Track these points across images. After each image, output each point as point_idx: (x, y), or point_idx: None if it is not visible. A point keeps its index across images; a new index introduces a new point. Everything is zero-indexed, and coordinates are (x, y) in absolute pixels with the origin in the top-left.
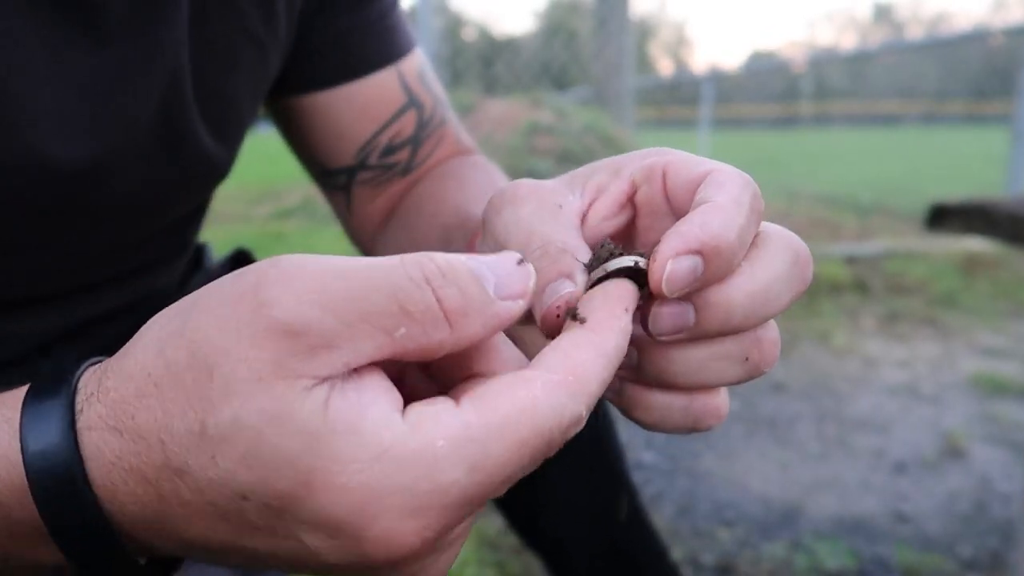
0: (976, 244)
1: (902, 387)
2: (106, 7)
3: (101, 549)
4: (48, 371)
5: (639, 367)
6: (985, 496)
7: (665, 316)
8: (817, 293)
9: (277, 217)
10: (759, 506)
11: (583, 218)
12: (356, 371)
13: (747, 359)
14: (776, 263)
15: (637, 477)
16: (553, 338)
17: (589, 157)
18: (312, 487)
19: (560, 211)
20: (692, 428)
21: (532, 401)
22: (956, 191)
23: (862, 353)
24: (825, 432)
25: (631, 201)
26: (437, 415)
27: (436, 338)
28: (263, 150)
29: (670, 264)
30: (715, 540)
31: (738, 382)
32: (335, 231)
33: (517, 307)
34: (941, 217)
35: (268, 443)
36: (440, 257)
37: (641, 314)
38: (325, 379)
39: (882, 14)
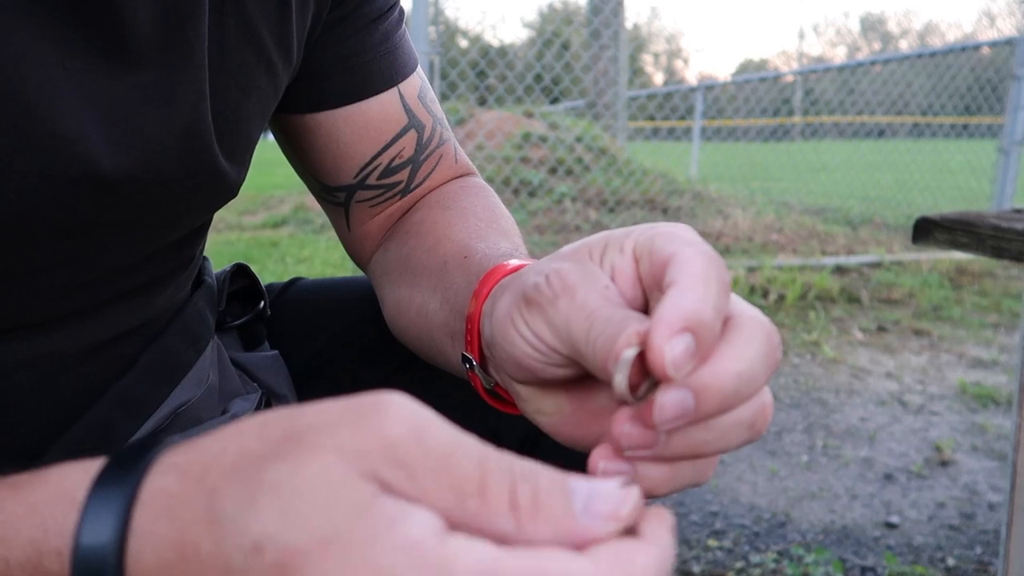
0: (964, 256)
1: (890, 397)
2: (130, 33)
3: None
4: (124, 451)
5: (669, 444)
6: (972, 506)
7: (669, 406)
8: (806, 304)
9: (270, 226)
10: (748, 516)
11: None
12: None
13: (753, 424)
14: (755, 343)
15: None
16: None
17: (581, 168)
18: (328, 553)
19: (607, 291)
20: (695, 483)
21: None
22: (945, 203)
23: (851, 364)
24: (814, 442)
25: (640, 278)
26: (472, 544)
27: (499, 527)
28: (255, 160)
29: (667, 350)
30: (704, 549)
31: (742, 446)
32: (328, 240)
33: (605, 529)
34: (926, 231)
35: (310, 501)
36: (527, 463)
37: (640, 411)
38: (395, 497)
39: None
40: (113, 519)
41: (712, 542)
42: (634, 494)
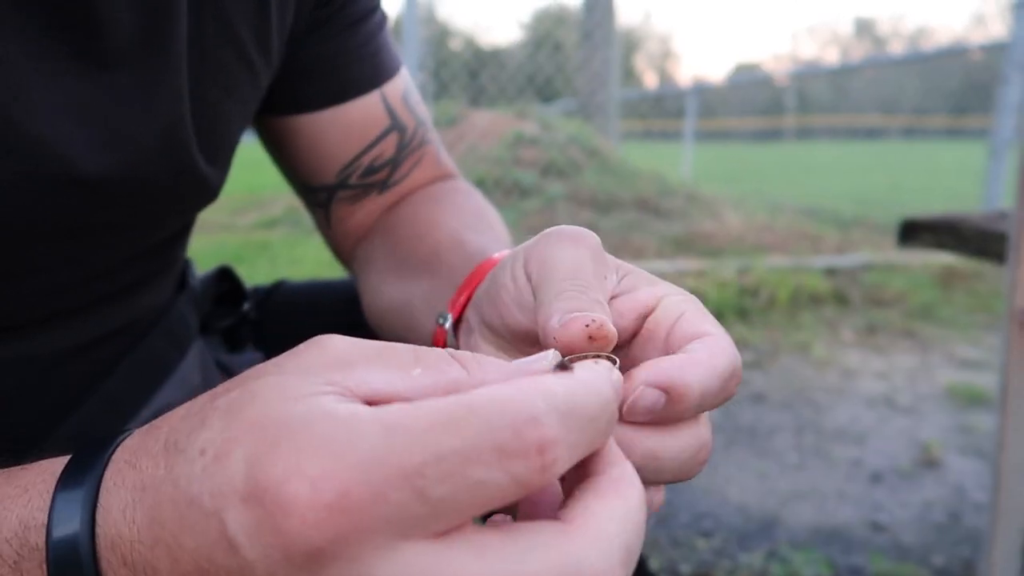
0: (953, 257)
1: (880, 398)
2: (107, 35)
3: None
4: (84, 447)
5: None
6: (959, 506)
7: (647, 396)
8: (798, 305)
9: (261, 226)
10: (737, 516)
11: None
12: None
13: (697, 452)
14: (724, 360)
15: None
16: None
17: (574, 169)
18: (238, 439)
19: (604, 281)
20: (648, 510)
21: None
22: (935, 204)
23: (841, 364)
24: (803, 442)
25: (644, 318)
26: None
27: (451, 375)
28: (247, 159)
29: (640, 389)
30: (693, 550)
31: (686, 479)
32: (319, 241)
33: (538, 367)
34: (912, 232)
35: (253, 399)
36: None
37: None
38: (335, 390)
39: (864, 29)
40: (82, 497)
41: (701, 542)
42: (550, 354)
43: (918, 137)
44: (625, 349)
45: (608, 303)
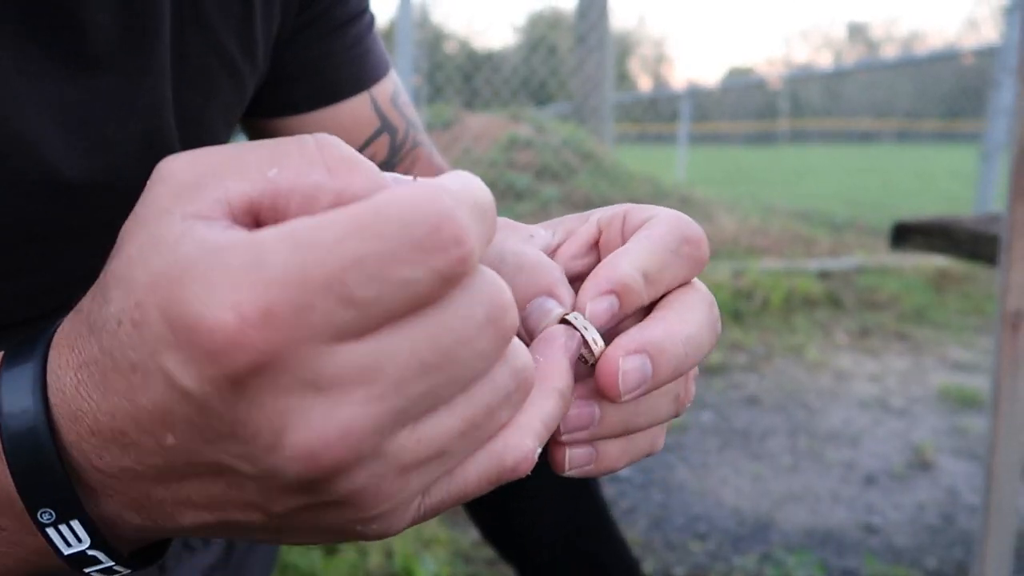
0: (946, 260)
1: (873, 400)
2: (90, 39)
3: (63, 496)
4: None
5: (604, 421)
6: (952, 508)
7: (631, 373)
8: (791, 308)
9: None
10: (731, 519)
11: (552, 256)
12: (239, 224)
13: (678, 396)
14: (699, 310)
15: (611, 490)
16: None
17: (568, 172)
18: (156, 287)
19: (531, 239)
20: (650, 451)
21: (380, 195)
22: (928, 207)
23: (834, 367)
24: (797, 445)
25: (597, 245)
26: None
27: (312, 179)
28: None
29: (622, 362)
30: (687, 553)
31: (669, 419)
32: None
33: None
34: (904, 235)
35: (136, 259)
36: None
37: (599, 378)
38: (201, 219)
39: (857, 33)
40: (29, 374)
41: (695, 545)
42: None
43: (911, 140)
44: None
45: (552, 253)
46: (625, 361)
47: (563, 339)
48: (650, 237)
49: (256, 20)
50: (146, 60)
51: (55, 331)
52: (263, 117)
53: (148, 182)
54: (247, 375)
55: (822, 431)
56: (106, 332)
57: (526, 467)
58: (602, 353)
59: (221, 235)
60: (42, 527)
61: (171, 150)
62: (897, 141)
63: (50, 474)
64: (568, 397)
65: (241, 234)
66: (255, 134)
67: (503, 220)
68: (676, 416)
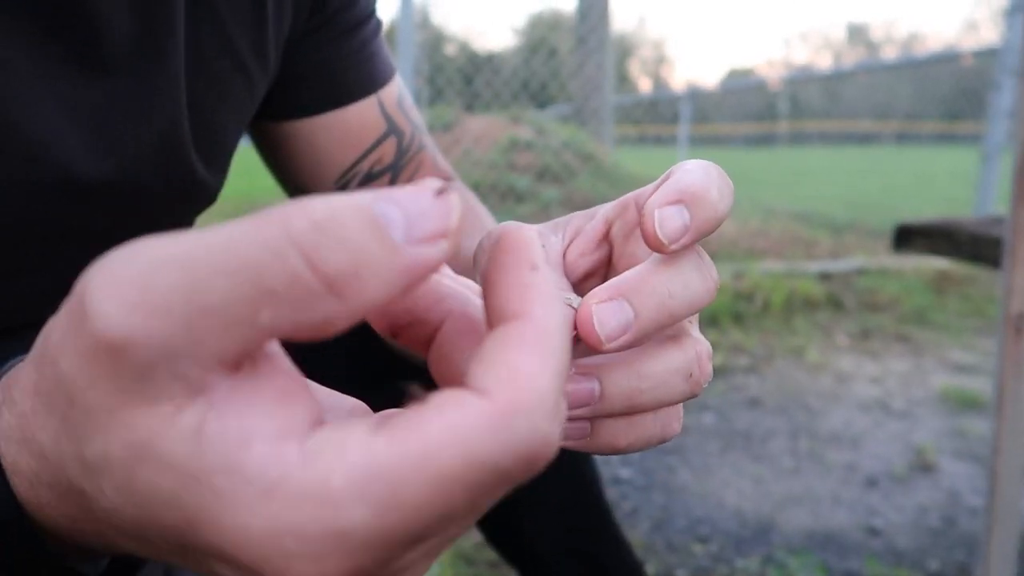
0: (946, 262)
1: (874, 402)
2: (105, 41)
3: (32, 553)
4: None
5: (604, 398)
6: (953, 510)
7: (608, 317)
8: (792, 309)
9: None
10: (733, 521)
11: (563, 256)
12: (239, 372)
13: (691, 375)
14: (687, 256)
15: (613, 492)
16: None
17: (568, 174)
18: (196, 525)
19: (543, 251)
20: (661, 437)
21: (463, 427)
22: (928, 209)
23: (835, 369)
24: (798, 447)
25: (607, 239)
26: (342, 443)
27: (320, 314)
28: (241, 165)
29: (658, 213)
30: (690, 555)
31: (682, 400)
32: None
33: (435, 252)
34: (906, 237)
35: (141, 481)
36: (318, 204)
37: (579, 329)
38: (194, 395)
39: (856, 34)
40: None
41: (697, 547)
42: (453, 199)
43: (911, 142)
44: (615, 268)
45: (563, 255)
46: (599, 307)
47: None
48: (699, 166)
49: (268, 23)
50: (161, 62)
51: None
52: (271, 119)
53: (76, 336)
54: None
55: (823, 433)
56: (119, 520)
57: (548, 451)
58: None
59: (264, 458)
60: None
61: (184, 150)
62: (897, 143)
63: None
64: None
65: (295, 463)
66: (262, 137)
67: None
68: (692, 396)
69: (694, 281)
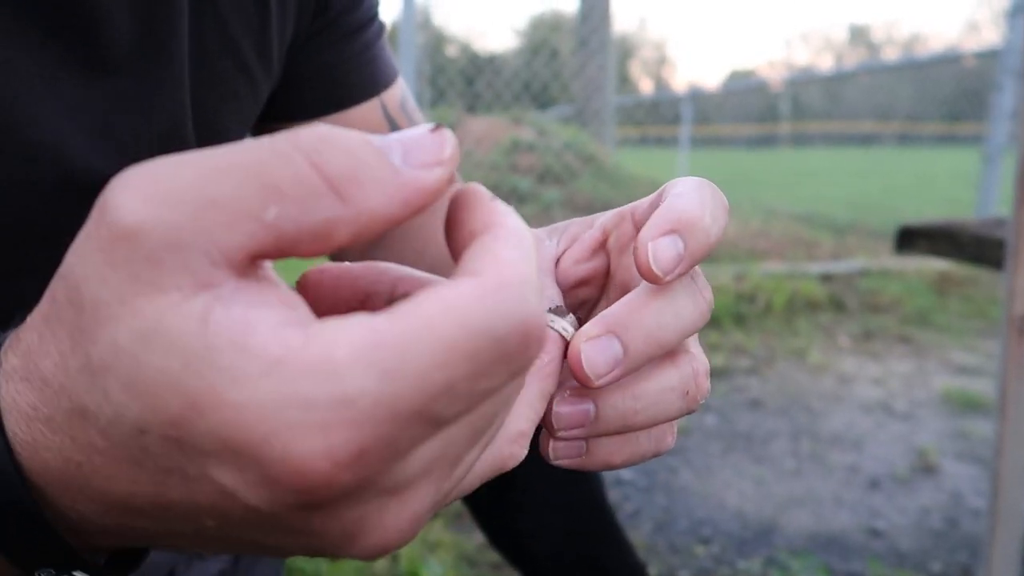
0: (948, 263)
1: (876, 404)
2: (108, 42)
3: (28, 525)
4: None
5: (599, 419)
6: (956, 512)
7: (595, 350)
8: (794, 311)
9: None
10: (735, 522)
11: (557, 262)
12: (245, 277)
13: (687, 392)
14: (679, 283)
15: (615, 494)
16: None
17: (570, 175)
18: (200, 408)
19: (539, 251)
20: (656, 451)
21: (458, 300)
22: (930, 210)
23: (837, 370)
24: (800, 448)
25: (603, 248)
26: (344, 324)
27: (323, 215)
28: None
29: (651, 246)
30: (692, 556)
31: (679, 416)
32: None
33: (432, 176)
34: (909, 239)
35: (147, 366)
36: (323, 125)
37: (570, 367)
38: (201, 288)
39: (858, 35)
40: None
41: (699, 549)
42: (447, 133)
43: (912, 143)
44: (611, 284)
45: (556, 262)
46: (587, 346)
47: (554, 344)
48: (693, 188)
49: (271, 24)
50: (163, 63)
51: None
52: (274, 121)
53: (102, 228)
54: (330, 502)
55: (825, 434)
56: (117, 431)
57: (515, 462)
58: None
59: (268, 338)
60: None
61: (187, 151)
62: (898, 144)
63: (45, 540)
64: (550, 396)
65: (299, 342)
66: None
67: None
68: (688, 413)
69: (686, 308)
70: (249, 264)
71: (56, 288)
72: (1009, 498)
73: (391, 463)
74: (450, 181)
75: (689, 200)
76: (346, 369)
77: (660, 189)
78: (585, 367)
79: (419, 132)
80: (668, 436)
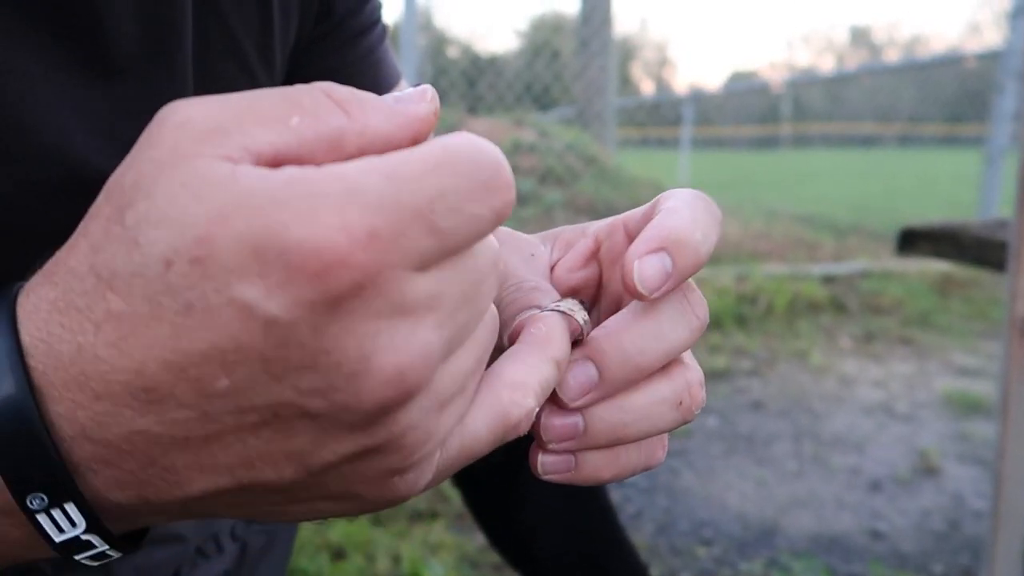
0: (950, 265)
1: (877, 405)
2: (113, 46)
3: (42, 460)
4: None
5: (589, 432)
6: (958, 513)
7: (571, 374)
8: (795, 312)
9: None
10: (737, 524)
11: (552, 269)
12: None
13: (680, 403)
14: (666, 302)
15: (617, 495)
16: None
17: (571, 176)
18: (225, 215)
19: (532, 259)
20: (646, 466)
21: (442, 138)
22: (931, 212)
23: (839, 372)
24: (802, 450)
25: (596, 257)
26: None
27: (333, 123)
28: None
29: (637, 264)
30: (693, 558)
31: (672, 428)
32: None
33: (421, 108)
34: (911, 241)
35: (180, 197)
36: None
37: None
38: (231, 159)
39: (859, 37)
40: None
41: (701, 550)
42: (428, 87)
43: (913, 145)
44: (602, 293)
45: (551, 270)
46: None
47: (558, 316)
48: (686, 202)
49: (274, 29)
50: (169, 66)
51: (16, 295)
52: None
53: (154, 127)
54: (347, 296)
55: (827, 436)
56: (141, 278)
57: (526, 425)
58: (590, 332)
59: (290, 170)
60: (32, 514)
61: None
62: (899, 145)
63: (41, 456)
64: (563, 366)
65: (314, 168)
66: None
67: (507, 232)
68: (683, 424)
69: (673, 329)
70: (272, 164)
71: (96, 203)
72: (1011, 500)
73: (400, 268)
74: (435, 116)
75: (680, 217)
76: (355, 173)
77: (654, 200)
78: (559, 390)
79: (406, 89)
80: (659, 450)
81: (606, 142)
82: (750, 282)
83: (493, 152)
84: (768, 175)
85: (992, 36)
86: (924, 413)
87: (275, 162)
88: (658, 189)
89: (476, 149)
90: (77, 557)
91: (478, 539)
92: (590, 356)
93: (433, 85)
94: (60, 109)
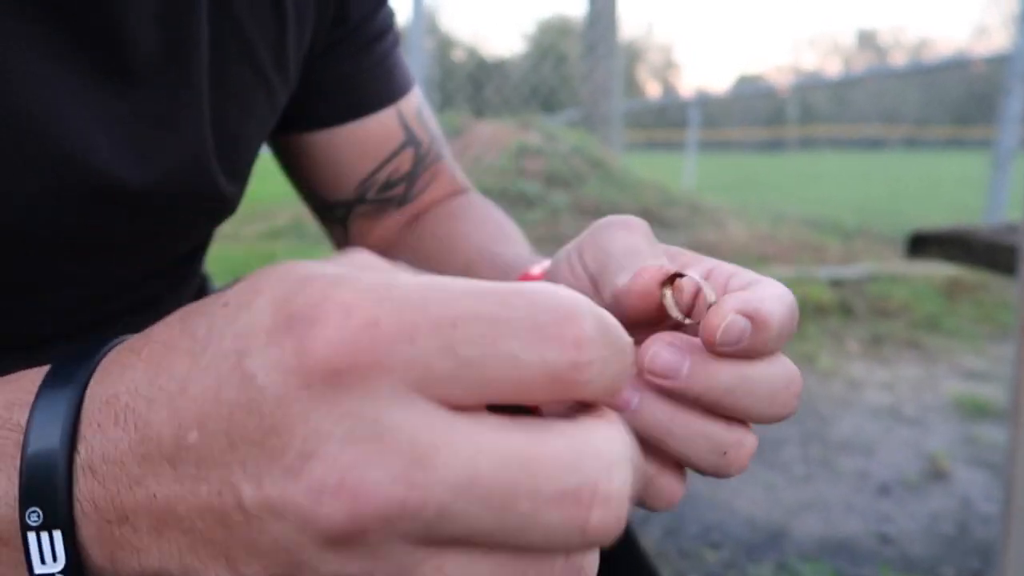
0: (957, 268)
1: (885, 409)
2: (132, 54)
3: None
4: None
5: (692, 381)
6: (967, 517)
7: (732, 326)
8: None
9: (267, 237)
10: (745, 528)
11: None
12: None
13: (725, 453)
14: (786, 294)
15: None
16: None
17: (577, 179)
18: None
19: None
20: (665, 502)
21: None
22: (938, 215)
23: (846, 375)
24: (810, 454)
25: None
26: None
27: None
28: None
29: (730, 317)
30: (702, 562)
31: (704, 471)
32: (325, 251)
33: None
34: (921, 245)
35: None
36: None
37: (703, 328)
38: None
39: (865, 40)
40: (60, 421)
41: (709, 554)
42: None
43: (920, 148)
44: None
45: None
46: (729, 319)
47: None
48: (780, 296)
49: (289, 35)
50: (186, 74)
51: (116, 344)
52: (291, 132)
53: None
54: (320, 376)
55: (835, 440)
56: (204, 317)
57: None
58: (711, 307)
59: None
60: (26, 529)
61: (208, 162)
62: (906, 148)
63: (53, 492)
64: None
65: (383, 273)
66: (282, 147)
67: (645, 227)
68: (716, 474)
69: (766, 379)
70: None
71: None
72: (1022, 503)
73: (391, 378)
74: None
75: (782, 310)
76: (402, 277)
77: (751, 276)
78: (719, 333)
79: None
80: (677, 490)
81: (612, 145)
82: None
83: (568, 299)
84: (774, 178)
85: (999, 39)
86: (932, 417)
87: None
88: (664, 192)
89: (541, 290)
90: None
91: None
92: (751, 316)
93: (440, 88)
94: (81, 116)
